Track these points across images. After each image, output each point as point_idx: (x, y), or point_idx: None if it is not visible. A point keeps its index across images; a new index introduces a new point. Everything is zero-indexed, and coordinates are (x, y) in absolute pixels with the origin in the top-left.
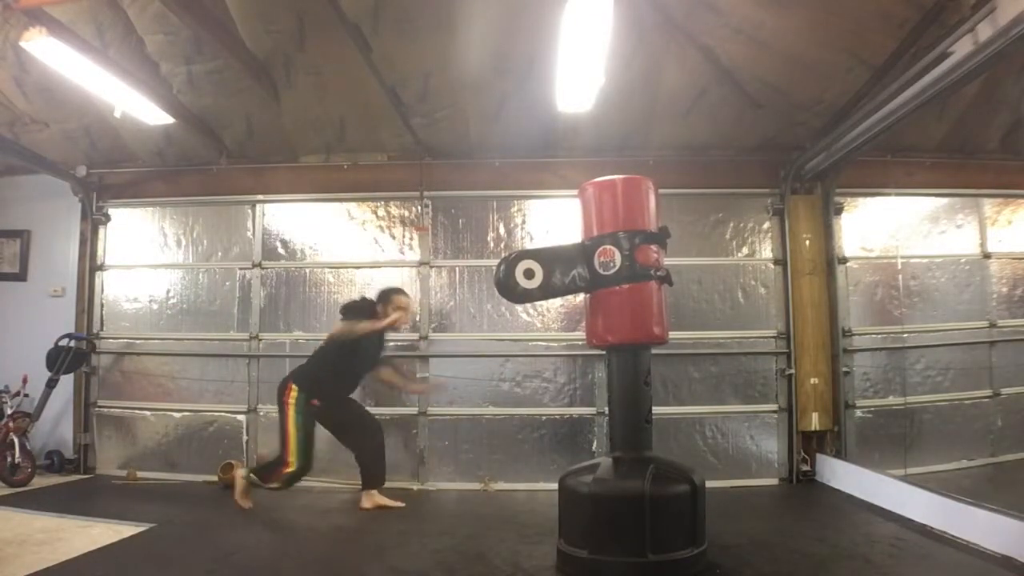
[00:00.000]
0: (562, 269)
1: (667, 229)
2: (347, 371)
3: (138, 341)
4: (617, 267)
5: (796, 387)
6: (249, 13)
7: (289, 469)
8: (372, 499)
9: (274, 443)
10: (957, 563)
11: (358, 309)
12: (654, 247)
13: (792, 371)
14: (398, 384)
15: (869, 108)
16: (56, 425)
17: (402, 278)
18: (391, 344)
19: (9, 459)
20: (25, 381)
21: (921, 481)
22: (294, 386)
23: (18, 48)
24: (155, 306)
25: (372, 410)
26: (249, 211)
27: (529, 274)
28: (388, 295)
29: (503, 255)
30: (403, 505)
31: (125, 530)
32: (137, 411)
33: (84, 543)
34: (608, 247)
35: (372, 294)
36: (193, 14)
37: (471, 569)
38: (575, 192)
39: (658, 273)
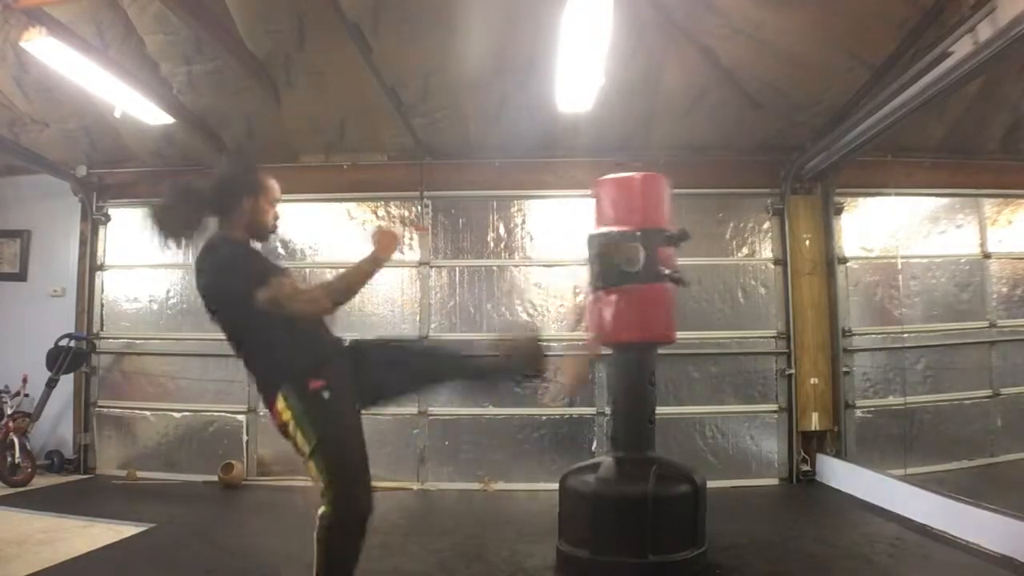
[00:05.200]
0: (650, 256)
1: (686, 231)
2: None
3: (138, 341)
4: (641, 265)
5: (796, 387)
6: (249, 13)
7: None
8: None
9: (276, 443)
10: (957, 563)
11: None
12: (671, 248)
13: (792, 371)
14: None
15: (869, 108)
16: (56, 425)
17: (402, 278)
18: None
19: (9, 459)
20: (25, 381)
21: (921, 481)
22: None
23: (18, 48)
24: (155, 306)
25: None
26: None
27: (632, 262)
28: (249, 175)
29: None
30: None
31: (125, 530)
32: (137, 411)
33: (84, 543)
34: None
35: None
36: (193, 14)
37: (471, 569)
38: (575, 192)
39: (676, 275)
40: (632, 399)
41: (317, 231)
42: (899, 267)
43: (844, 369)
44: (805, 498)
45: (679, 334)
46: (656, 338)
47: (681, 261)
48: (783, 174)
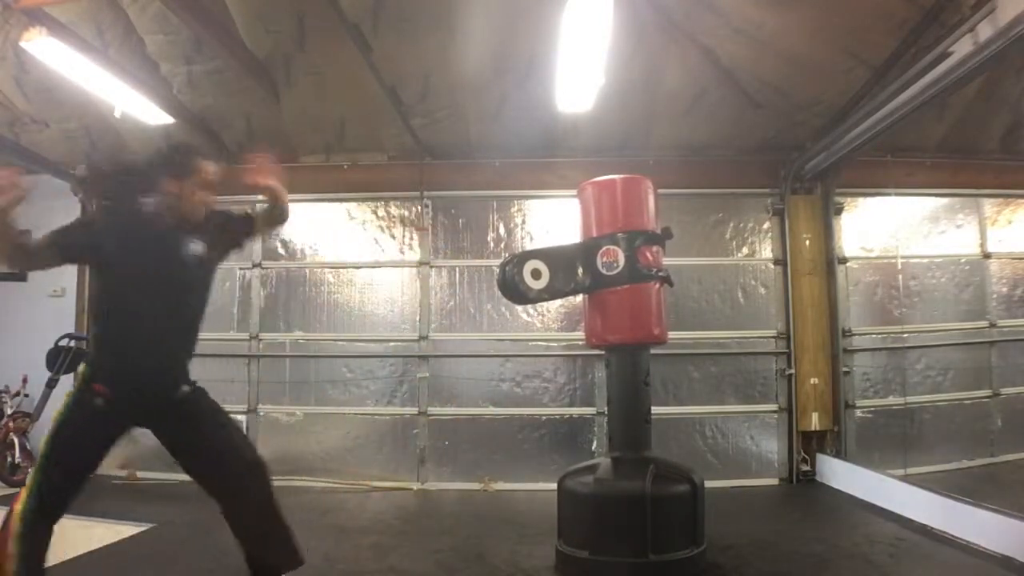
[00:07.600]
0: (567, 269)
1: (670, 230)
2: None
3: None
4: (620, 267)
5: (796, 387)
6: (249, 13)
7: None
8: None
9: (276, 443)
10: (957, 563)
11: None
12: (655, 248)
13: (792, 371)
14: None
15: (869, 108)
16: None
17: (402, 278)
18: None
19: (9, 459)
20: (25, 381)
21: (921, 481)
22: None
23: (18, 48)
24: None
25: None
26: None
27: (536, 274)
28: (188, 157)
29: (503, 256)
30: None
31: (125, 530)
32: None
33: (84, 543)
34: (611, 247)
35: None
36: (193, 14)
37: (471, 569)
38: (575, 192)
39: (660, 274)
40: (627, 400)
41: (317, 231)
42: (899, 267)
43: (844, 369)
44: (805, 498)
45: (679, 334)
46: (645, 339)
47: (682, 261)
48: (783, 174)
